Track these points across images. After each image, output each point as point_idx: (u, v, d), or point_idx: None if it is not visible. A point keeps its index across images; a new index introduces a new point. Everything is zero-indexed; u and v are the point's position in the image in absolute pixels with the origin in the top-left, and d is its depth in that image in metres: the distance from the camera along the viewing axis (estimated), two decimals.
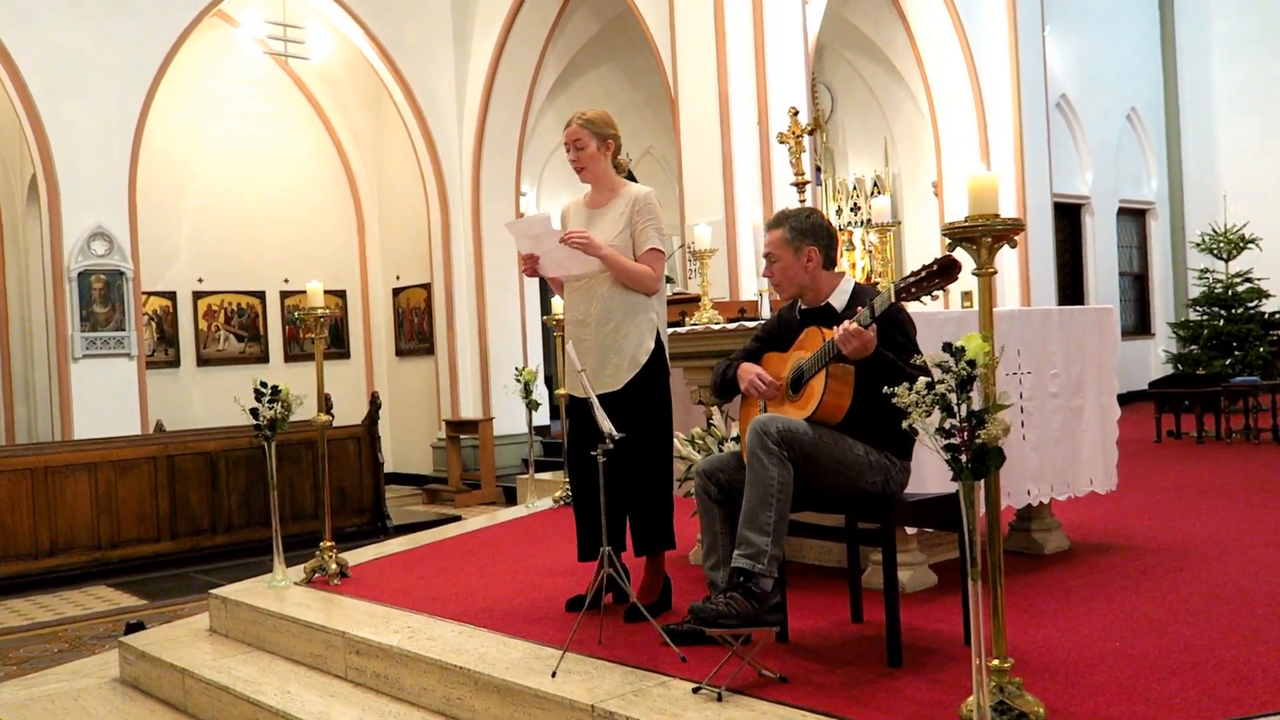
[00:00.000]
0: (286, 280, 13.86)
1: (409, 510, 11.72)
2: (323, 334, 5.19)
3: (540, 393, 8.21)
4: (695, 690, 3.14)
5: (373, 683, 4.01)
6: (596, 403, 3.61)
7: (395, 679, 3.90)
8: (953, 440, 2.38)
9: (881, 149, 13.57)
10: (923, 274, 2.97)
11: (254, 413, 5.02)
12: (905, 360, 3.23)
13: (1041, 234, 12.26)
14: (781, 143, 8.64)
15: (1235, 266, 12.26)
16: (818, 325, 3.43)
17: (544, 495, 7.40)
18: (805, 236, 3.45)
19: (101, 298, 10.44)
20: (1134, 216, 14.72)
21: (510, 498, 12.25)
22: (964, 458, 2.38)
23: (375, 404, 10.56)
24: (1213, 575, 4.31)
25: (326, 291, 14.14)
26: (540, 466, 12.48)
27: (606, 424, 3.57)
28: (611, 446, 3.59)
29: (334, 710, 3.80)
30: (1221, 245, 12.09)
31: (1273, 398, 9.46)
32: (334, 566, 5.07)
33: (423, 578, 5.13)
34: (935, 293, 2.99)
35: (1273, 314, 11.87)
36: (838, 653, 3.47)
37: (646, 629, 3.80)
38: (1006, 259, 12.07)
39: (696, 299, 8.26)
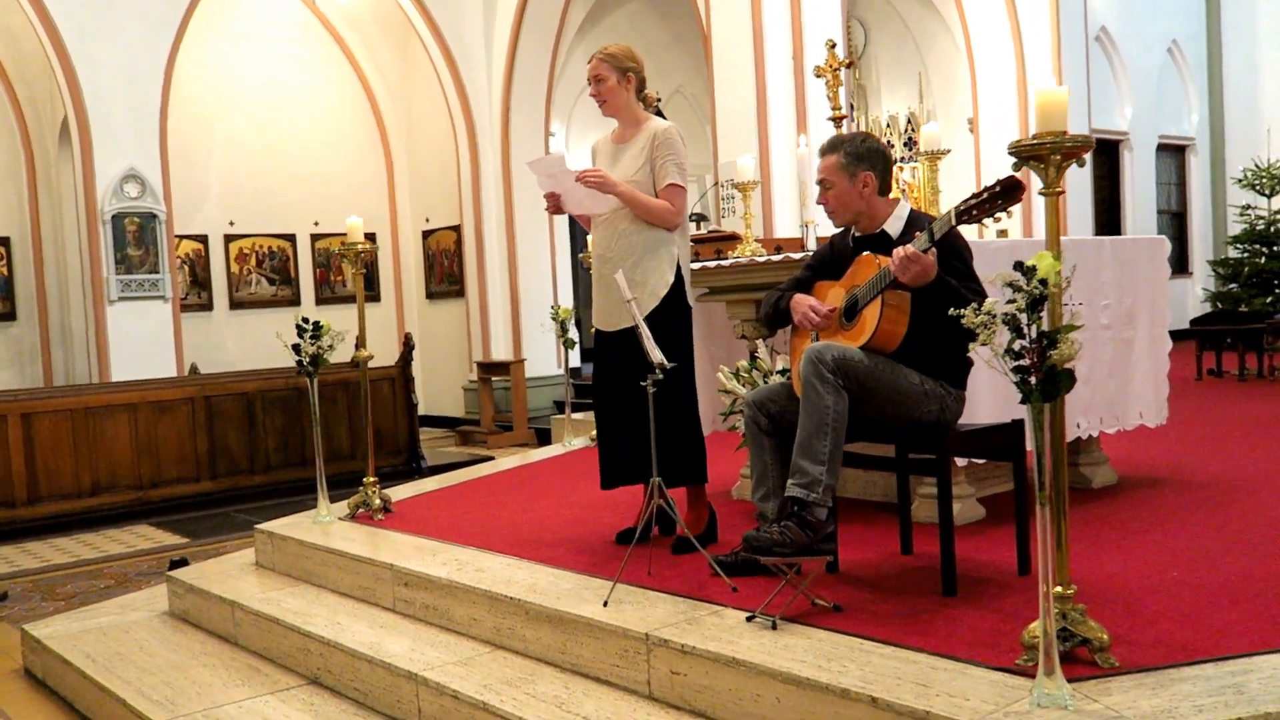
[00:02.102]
0: (316, 223, 13.85)
1: (443, 451, 11.78)
2: (361, 270, 5.17)
3: (575, 332, 8.15)
4: (749, 619, 3.13)
5: (421, 614, 4.03)
6: (646, 331, 3.57)
7: (445, 610, 3.91)
8: (1023, 361, 2.33)
9: (916, 85, 13.33)
10: (984, 195, 2.90)
11: (296, 349, 5.01)
12: (965, 286, 3.17)
13: (1078, 171, 12.04)
14: (818, 76, 8.50)
15: (1278, 203, 12.03)
16: (872, 252, 3.37)
17: (580, 434, 7.39)
18: (861, 161, 3.38)
19: (135, 240, 10.47)
20: (1173, 153, 14.46)
21: (543, 439, 12.29)
22: (1034, 379, 2.33)
23: (409, 345, 10.57)
24: (1266, 508, 4.26)
25: None
26: (574, 408, 12.53)
27: (657, 353, 3.53)
28: (661, 376, 3.56)
29: (385, 641, 3.82)
30: (1264, 181, 11.86)
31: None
32: (378, 502, 5.09)
33: (465, 512, 5.14)
34: (997, 215, 2.92)
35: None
36: (890, 583, 3.45)
37: (695, 560, 3.79)
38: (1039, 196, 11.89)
39: (731, 237, 8.19)
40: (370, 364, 5.26)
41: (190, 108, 12.41)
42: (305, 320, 5.04)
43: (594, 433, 7.16)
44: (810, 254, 3.81)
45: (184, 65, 11.34)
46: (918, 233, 3.12)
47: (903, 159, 13.64)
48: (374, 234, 14.33)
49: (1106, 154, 13.41)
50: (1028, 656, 2.64)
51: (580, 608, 3.41)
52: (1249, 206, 11.96)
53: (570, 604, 3.46)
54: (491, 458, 11.03)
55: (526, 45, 12.67)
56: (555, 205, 4.13)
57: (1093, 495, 4.60)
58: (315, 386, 5.12)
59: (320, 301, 13.86)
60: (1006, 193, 2.86)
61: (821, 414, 3.17)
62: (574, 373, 13.70)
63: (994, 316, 2.31)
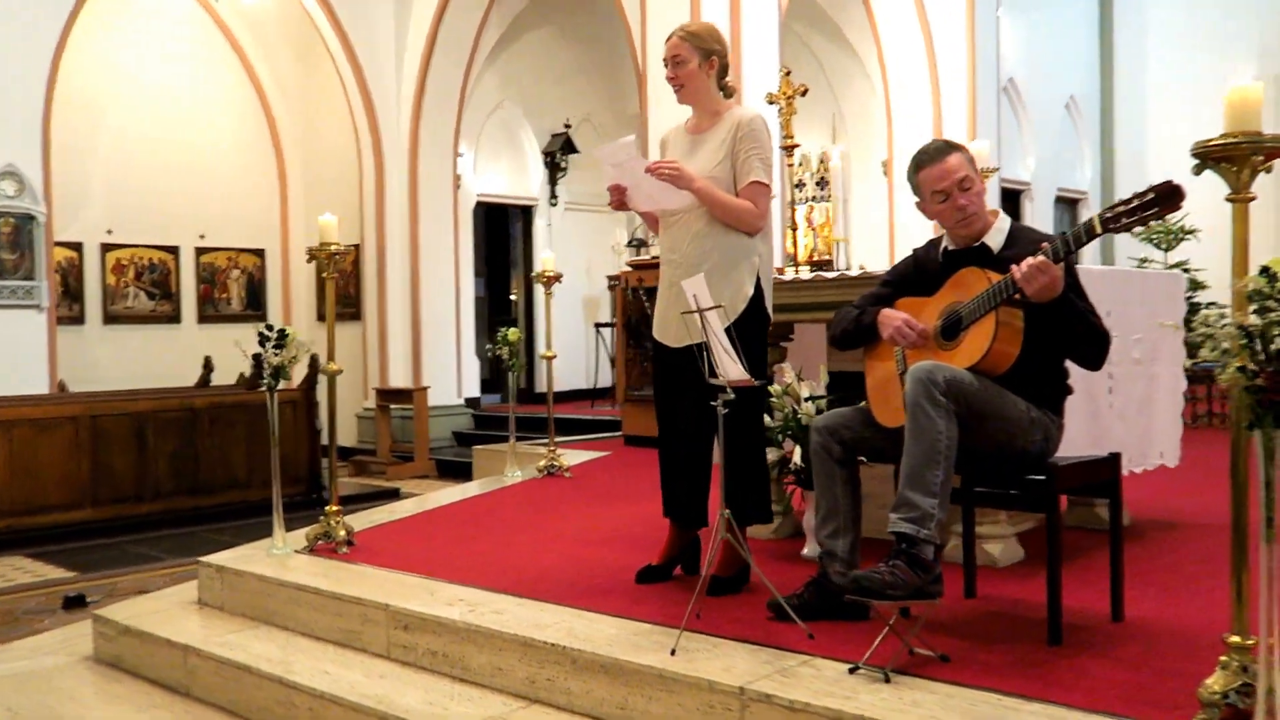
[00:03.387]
0: (203, 236, 12.99)
1: (340, 481, 11.05)
2: (333, 275, 4.66)
3: (524, 358, 7.68)
4: (852, 670, 2.78)
5: (425, 662, 3.54)
6: (724, 343, 3.17)
7: (457, 658, 3.44)
8: (1258, 382, 2.05)
9: (830, 126, 13.38)
10: (1136, 202, 2.65)
11: (257, 359, 4.47)
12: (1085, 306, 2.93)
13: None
14: (770, 103, 8.34)
15: (1174, 257, 12.40)
16: (973, 266, 3.09)
17: (523, 465, 6.92)
18: (974, 165, 3.11)
19: (10, 243, 9.53)
20: (1068, 205, 14.87)
21: (444, 471, 11.72)
22: (1270, 400, 2.06)
23: (314, 367, 9.90)
24: None
25: (242, 250, 13.39)
26: (472, 440, 11.98)
27: (735, 369, 3.15)
28: (732, 396, 3.19)
29: (392, 693, 3.32)
30: (1161, 235, 12.20)
31: (1207, 387, 9.54)
32: (342, 533, 4.55)
33: (439, 547, 4.65)
34: (1147, 224, 2.67)
35: (1209, 305, 12.05)
36: (976, 629, 3.15)
37: (743, 603, 3.43)
38: None
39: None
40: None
41: (74, 103, 11.47)
42: (269, 327, 4.49)
43: (541, 464, 6.73)
44: (888, 270, 3.50)
45: (73, 58, 10.46)
46: (1044, 244, 2.85)
47: (813, 198, 13.68)
48: (263, 250, 13.54)
49: (1010, 203, 13.67)
50: (1205, 715, 2.36)
51: (641, 656, 3.00)
52: (1146, 260, 12.29)
53: (626, 652, 3.04)
54: (396, 490, 10.47)
55: (441, 60, 12.18)
56: (620, 200, 3.71)
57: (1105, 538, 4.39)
58: (275, 402, 4.57)
59: (204, 319, 12.97)
60: (1163, 199, 2.62)
61: (934, 441, 2.85)
62: (472, 402, 13.21)
63: (1246, 330, 2.03)
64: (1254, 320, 2.07)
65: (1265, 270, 2.06)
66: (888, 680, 2.71)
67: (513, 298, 14.66)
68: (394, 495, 10.41)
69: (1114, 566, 3.17)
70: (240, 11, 12.83)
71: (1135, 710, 2.47)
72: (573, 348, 13.72)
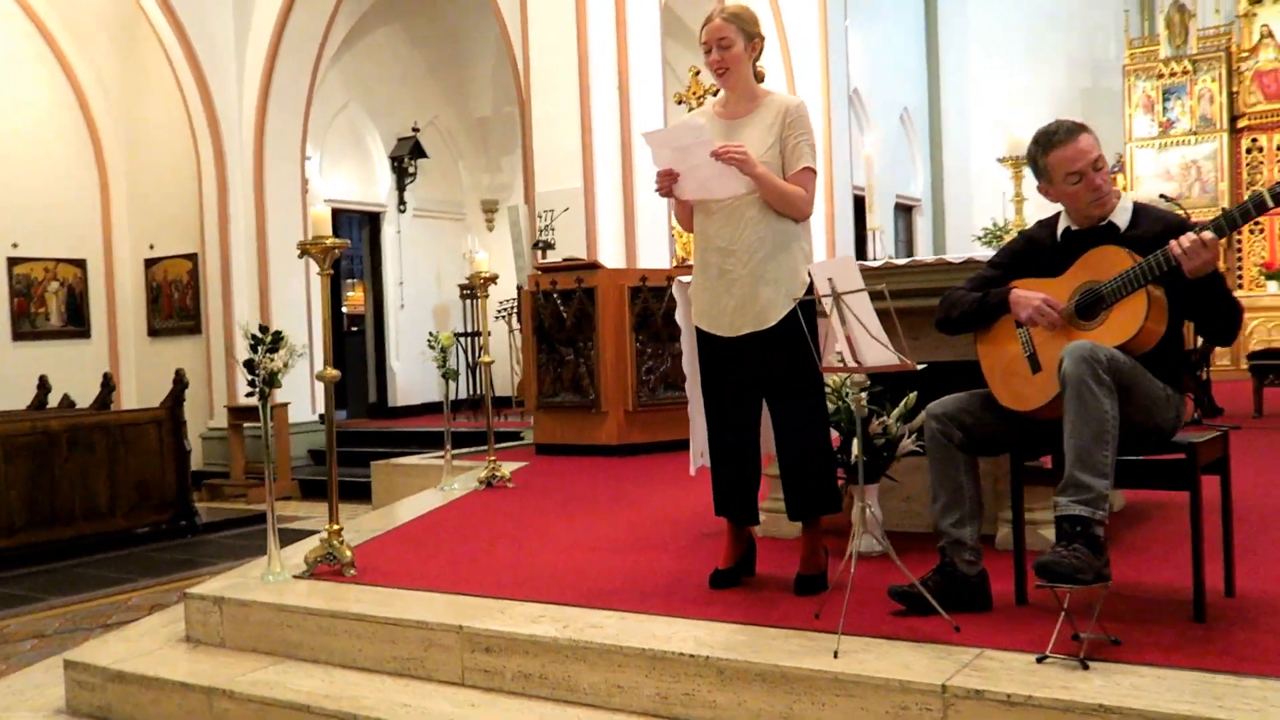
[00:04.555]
0: (15, 245, 11.79)
1: (203, 507, 10.24)
2: (329, 271, 4.24)
3: (455, 360, 7.31)
4: (1040, 660, 2.69)
5: (517, 686, 3.23)
6: (872, 327, 3.02)
7: (561, 678, 3.15)
8: None
9: None
10: None
11: (249, 365, 4.02)
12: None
13: (845, 223, 12.56)
14: (679, 103, 8.27)
15: None
16: (1097, 245, 3.07)
17: (457, 475, 6.55)
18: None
19: None
20: (904, 211, 15.48)
21: (308, 491, 11.05)
22: None
23: (107, 386, 9.16)
24: None
25: (61, 261, 12.23)
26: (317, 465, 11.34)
27: (884, 354, 3.01)
28: (867, 384, 3.07)
29: None
30: (1004, 238, 12.84)
31: None
32: (348, 555, 4.14)
33: (454, 562, 4.31)
34: None
35: None
36: (1107, 612, 3.12)
37: (837, 599, 3.29)
38: (817, 240, 12.24)
39: (593, 265, 7.69)
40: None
41: None
42: (262, 329, 4.05)
43: (483, 474, 6.39)
44: (997, 252, 3.44)
45: None
46: (1203, 221, 2.85)
47: None
48: (84, 260, 12.41)
49: (859, 210, 14.09)
50: None
51: (804, 660, 2.82)
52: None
53: (782, 657, 2.86)
54: (263, 512, 9.76)
55: (286, 61, 11.51)
56: (668, 186, 3.51)
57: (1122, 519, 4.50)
58: (268, 410, 4.12)
59: (18, 337, 11.77)
60: None
61: (1101, 420, 2.81)
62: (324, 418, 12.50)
63: None
64: None
65: None
66: (1086, 667, 2.63)
67: (344, 310, 14.02)
68: (265, 519, 9.74)
69: (1225, 542, 3.20)
70: (54, 2, 11.76)
71: None
72: (424, 359, 13.22)
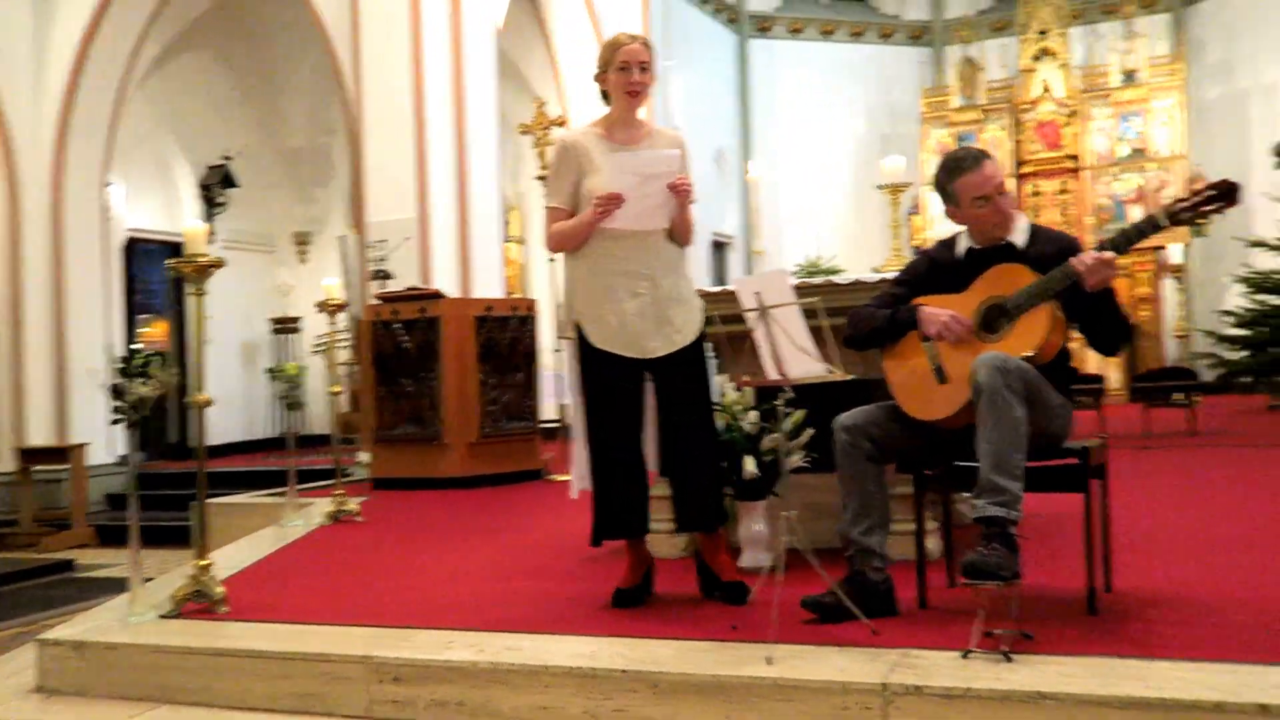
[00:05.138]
0: None
1: None
2: (202, 291, 4.00)
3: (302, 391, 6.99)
4: (965, 656, 2.80)
5: (430, 715, 3.11)
6: (801, 339, 3.08)
7: (480, 704, 3.05)
8: None
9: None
10: (1197, 198, 2.93)
11: (116, 390, 3.75)
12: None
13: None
14: (524, 133, 8.29)
15: None
16: (998, 263, 3.25)
17: (300, 512, 6.26)
18: None
19: None
20: (718, 248, 15.90)
21: (106, 538, 10.35)
22: None
23: None
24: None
25: None
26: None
27: (815, 364, 3.08)
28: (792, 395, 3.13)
29: None
30: (819, 273, 13.28)
31: None
32: (219, 591, 3.89)
33: (335, 596, 4.11)
34: (1206, 220, 2.95)
35: None
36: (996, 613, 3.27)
37: (762, 611, 3.33)
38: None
39: (435, 295, 7.59)
40: None
41: None
42: (133, 350, 3.79)
43: (330, 509, 6.14)
44: (900, 271, 3.58)
45: None
46: (1102, 239, 3.06)
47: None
48: None
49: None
50: None
51: (739, 669, 2.84)
52: None
53: (716, 667, 2.87)
54: (68, 561, 9.08)
55: (91, 81, 10.87)
56: (611, 211, 3.50)
57: None
58: (137, 439, 3.85)
59: None
60: (1223, 195, 2.91)
61: (1015, 426, 2.96)
62: (124, 460, 11.73)
63: None
64: None
65: None
66: (1010, 659, 2.75)
67: (139, 346, 13.25)
68: (66, 567, 9.07)
69: (1105, 543, 3.41)
70: None
71: (1260, 654, 2.68)
72: (233, 396, 12.65)
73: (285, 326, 12.78)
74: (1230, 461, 6.95)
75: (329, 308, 6.05)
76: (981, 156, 3.28)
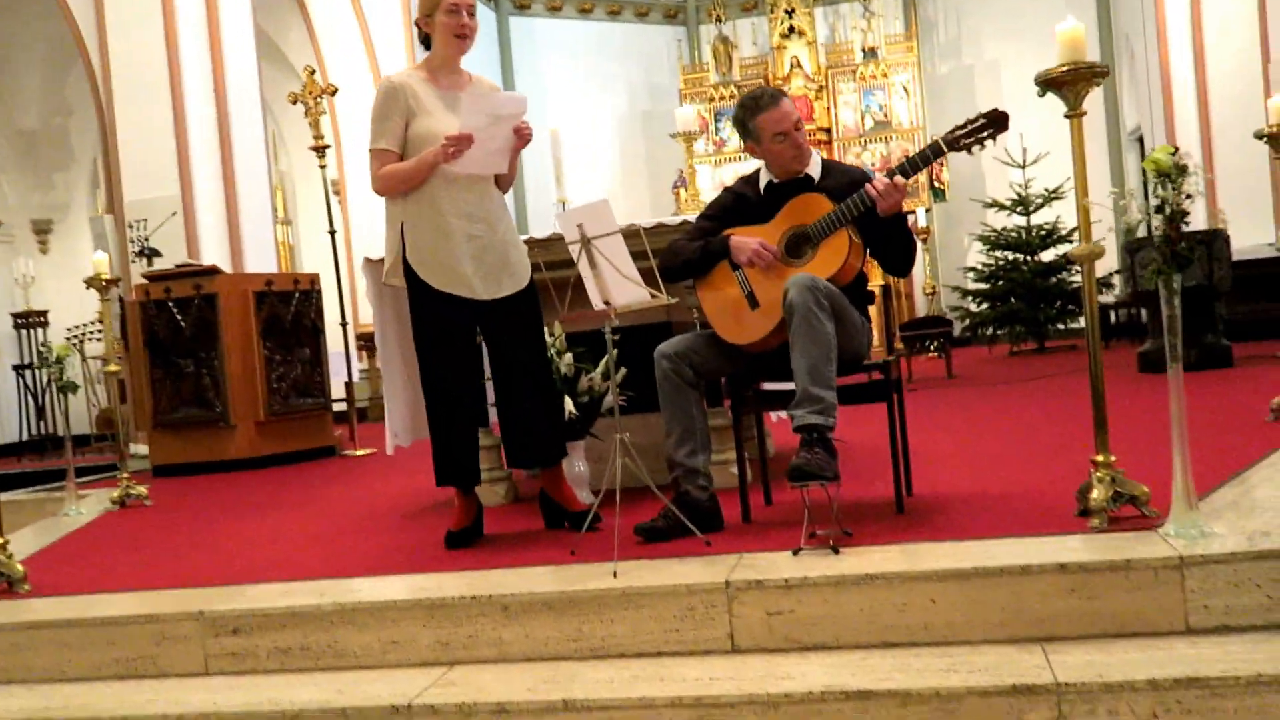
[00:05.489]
0: None
1: None
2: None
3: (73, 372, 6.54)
4: (795, 554, 3.01)
5: (275, 663, 3.06)
6: (624, 267, 3.19)
7: (325, 646, 3.03)
8: (1167, 237, 2.70)
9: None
10: (971, 126, 3.23)
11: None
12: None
13: None
14: (293, 103, 8.06)
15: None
16: (797, 194, 3.47)
17: (80, 502, 5.90)
18: None
19: None
20: None
21: None
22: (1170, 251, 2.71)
23: None
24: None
25: None
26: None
27: (638, 291, 3.20)
28: (616, 324, 3.25)
29: (286, 696, 2.85)
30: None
31: None
32: (19, 570, 3.67)
33: (148, 568, 3.94)
34: (981, 146, 3.26)
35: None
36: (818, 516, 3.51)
37: (605, 538, 3.46)
38: None
39: (211, 270, 7.33)
40: None
41: None
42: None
43: (115, 494, 5.85)
44: (707, 206, 3.73)
45: None
46: (890, 165, 3.31)
47: None
48: None
49: None
50: (1098, 520, 2.96)
51: (587, 583, 2.95)
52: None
53: (563, 584, 2.97)
54: None
55: None
56: (457, 152, 3.48)
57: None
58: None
59: None
60: (994, 123, 3.22)
61: (826, 340, 3.18)
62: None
63: (1166, 201, 2.66)
64: (1164, 192, 2.71)
65: (1169, 151, 2.72)
66: (837, 552, 2.97)
67: None
68: None
69: (904, 450, 3.70)
70: None
71: (1055, 525, 3.01)
72: None
73: (30, 320, 11.89)
74: (983, 396, 7.59)
75: (98, 284, 5.71)
76: (779, 95, 3.49)
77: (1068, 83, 2.99)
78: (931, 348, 10.09)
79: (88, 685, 3.13)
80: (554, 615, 2.92)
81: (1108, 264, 12.05)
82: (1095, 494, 3.00)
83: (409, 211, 3.64)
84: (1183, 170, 2.70)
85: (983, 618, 2.69)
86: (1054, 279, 12.04)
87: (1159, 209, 2.70)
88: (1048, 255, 12.28)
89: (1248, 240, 9.65)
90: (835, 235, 3.36)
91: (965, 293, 12.55)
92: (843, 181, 3.47)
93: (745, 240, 3.44)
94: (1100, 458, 3.04)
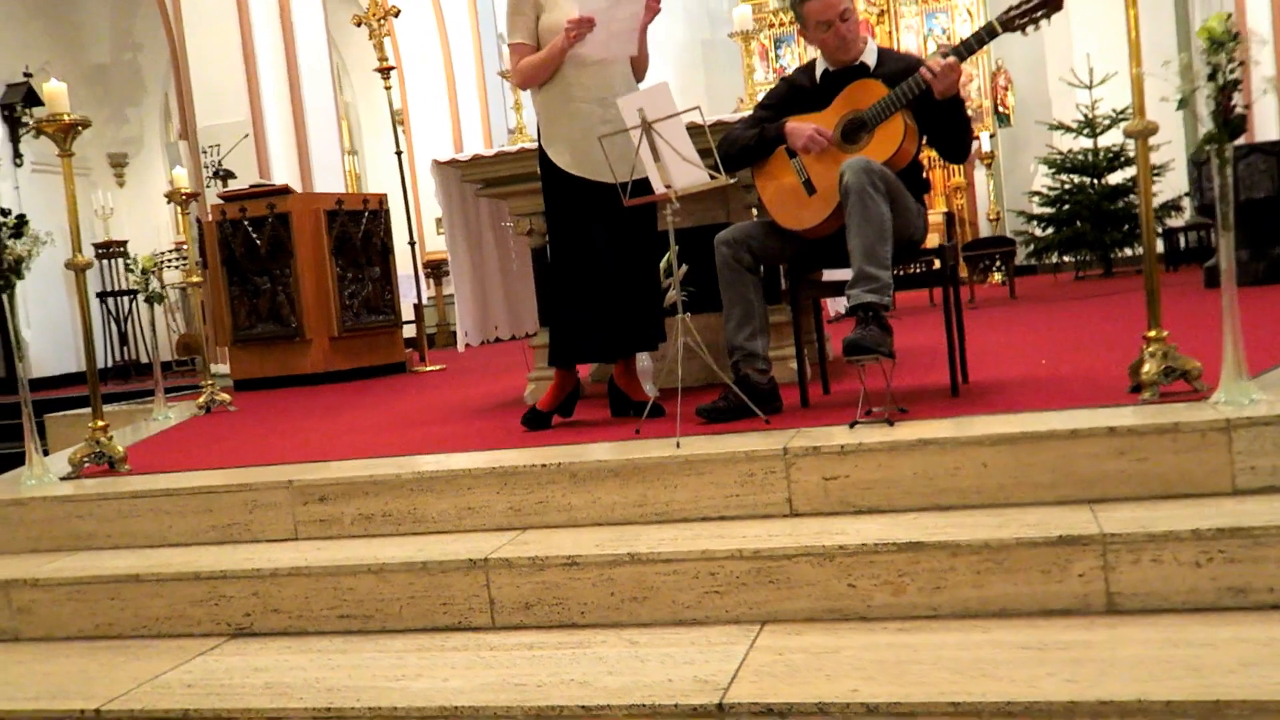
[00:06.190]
0: None
1: None
2: (70, 150, 3.95)
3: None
4: (851, 426, 3.12)
5: (359, 529, 3.26)
6: (685, 149, 3.28)
7: (406, 513, 3.22)
8: (1217, 105, 2.75)
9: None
10: (1026, 6, 3.27)
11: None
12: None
13: None
14: (357, 25, 8.18)
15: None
16: (852, 81, 3.54)
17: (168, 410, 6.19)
18: None
19: None
20: None
21: None
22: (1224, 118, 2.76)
23: None
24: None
25: None
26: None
27: (699, 173, 3.30)
28: (679, 206, 3.35)
29: (371, 553, 3.05)
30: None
31: None
32: (120, 450, 3.92)
33: (240, 451, 4.17)
34: (1035, 26, 3.30)
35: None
36: (874, 398, 3.61)
37: (657, 423, 3.61)
38: None
39: (284, 190, 7.51)
40: None
41: None
42: (4, 211, 3.72)
43: (203, 400, 6.11)
44: (764, 96, 3.82)
45: None
46: (943, 47, 3.37)
47: None
48: None
49: None
50: (1149, 393, 3.04)
51: (650, 453, 3.09)
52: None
53: (631, 454, 3.12)
54: None
55: None
56: (582, 36, 3.63)
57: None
58: (13, 301, 3.80)
59: None
60: (1047, 3, 3.26)
61: (881, 221, 3.27)
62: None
63: (1219, 69, 2.70)
64: (1215, 58, 2.75)
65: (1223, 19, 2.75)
66: (892, 424, 3.09)
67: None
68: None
69: (960, 336, 3.79)
70: None
71: (1107, 400, 3.10)
72: (59, 326, 12.15)
73: (110, 251, 12.27)
74: (1045, 312, 7.60)
75: (178, 197, 5.93)
76: None
77: None
78: (995, 268, 10.04)
79: (187, 549, 3.35)
80: (620, 482, 3.07)
81: (1177, 185, 11.90)
82: (1147, 368, 3.07)
83: (545, 99, 3.82)
84: (1234, 36, 2.74)
85: (1032, 480, 2.79)
86: (1121, 202, 11.87)
87: (1211, 76, 2.74)
88: (1115, 178, 12.09)
89: None
90: (890, 120, 3.43)
91: (1030, 217, 12.42)
92: (898, 68, 3.52)
93: (801, 126, 3.52)
94: (1152, 333, 3.11)
